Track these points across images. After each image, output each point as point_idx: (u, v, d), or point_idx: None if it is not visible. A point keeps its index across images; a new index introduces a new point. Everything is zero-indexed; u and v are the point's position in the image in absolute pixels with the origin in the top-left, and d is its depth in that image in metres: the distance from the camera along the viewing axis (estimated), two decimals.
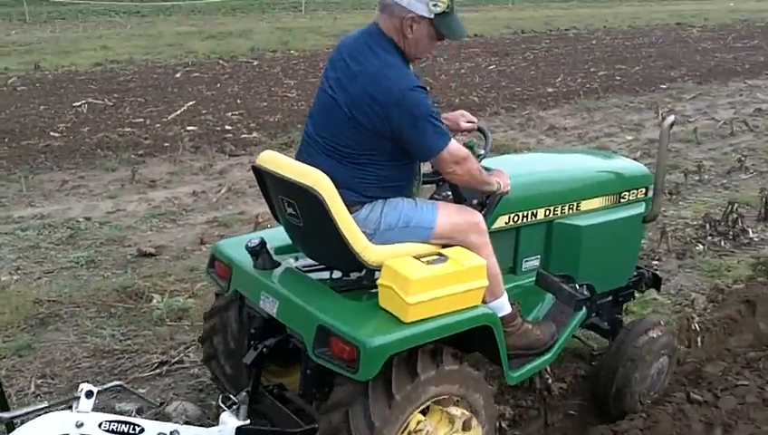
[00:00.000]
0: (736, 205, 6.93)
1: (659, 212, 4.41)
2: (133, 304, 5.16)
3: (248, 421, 3.29)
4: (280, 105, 11.69)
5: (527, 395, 4.21)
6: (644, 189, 4.23)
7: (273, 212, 3.54)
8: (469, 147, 3.56)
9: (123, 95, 12.04)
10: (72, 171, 8.25)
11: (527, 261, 3.86)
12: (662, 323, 4.28)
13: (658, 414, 3.94)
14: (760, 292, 5.44)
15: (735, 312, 5.17)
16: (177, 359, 4.51)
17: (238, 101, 11.84)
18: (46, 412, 2.85)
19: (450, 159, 3.20)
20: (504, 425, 3.93)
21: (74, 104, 11.29)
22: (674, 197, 7.75)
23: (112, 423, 2.91)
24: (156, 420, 3.39)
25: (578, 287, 3.86)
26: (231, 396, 3.38)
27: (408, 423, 3.02)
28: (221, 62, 15.26)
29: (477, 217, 3.41)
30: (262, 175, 3.38)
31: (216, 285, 3.80)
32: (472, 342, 3.25)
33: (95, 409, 2.93)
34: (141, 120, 10.45)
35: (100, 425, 2.89)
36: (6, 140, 9.31)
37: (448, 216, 3.34)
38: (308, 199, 3.06)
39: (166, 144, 9.17)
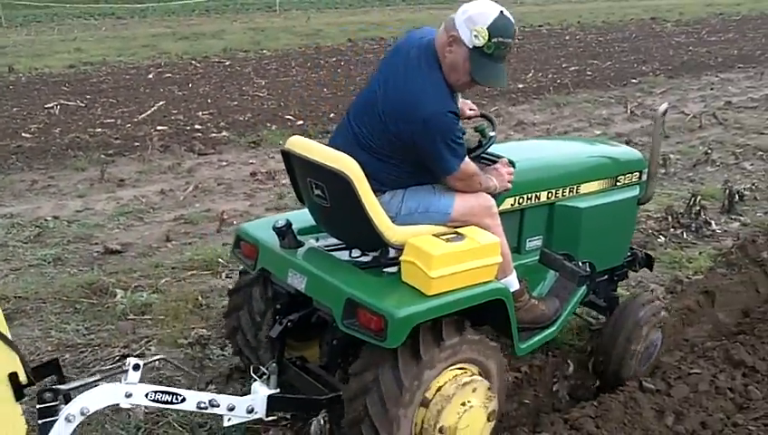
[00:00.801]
0: (699, 197, 7.04)
1: (653, 195, 4.63)
2: (97, 300, 5.20)
3: (278, 390, 3.50)
4: (250, 104, 11.73)
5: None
6: (638, 173, 4.49)
7: (298, 194, 3.78)
8: (480, 130, 3.89)
9: (95, 96, 12.03)
10: (43, 171, 8.26)
11: (530, 241, 4.12)
12: (657, 298, 4.55)
13: (610, 402, 4.00)
14: (719, 283, 5.53)
15: (694, 302, 5.23)
16: (138, 352, 4.54)
17: (209, 100, 11.86)
18: (97, 385, 3.09)
19: (457, 178, 3.49)
20: None
21: (46, 106, 11.28)
22: None
23: (157, 393, 3.15)
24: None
25: (580, 265, 4.09)
26: (260, 367, 3.57)
27: (431, 387, 3.30)
28: (193, 62, 15.26)
29: (490, 200, 3.65)
30: (290, 158, 3.62)
31: (241, 264, 4.02)
32: (482, 316, 3.49)
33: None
34: (112, 120, 10.46)
35: (146, 395, 3.14)
36: None
37: (463, 201, 3.58)
38: (337, 182, 3.31)
39: (136, 144, 9.19)
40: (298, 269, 3.56)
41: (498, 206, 3.73)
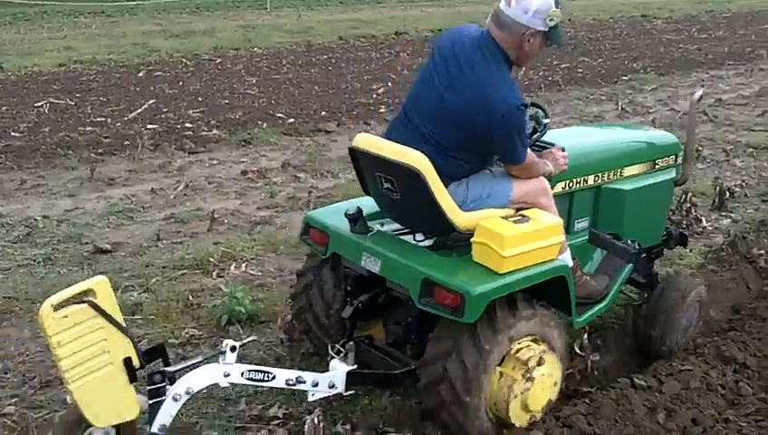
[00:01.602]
0: (690, 194, 7.04)
1: (689, 176, 5.03)
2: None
3: (355, 366, 3.85)
4: (241, 102, 11.68)
5: None
6: (674, 156, 4.85)
7: (364, 187, 4.12)
8: (535, 118, 4.12)
9: (85, 95, 11.96)
10: (32, 171, 8.21)
11: (579, 222, 4.42)
12: (696, 275, 4.89)
13: (602, 399, 4.01)
14: (710, 280, 5.53)
15: None
16: None
17: (199, 98, 11.79)
18: (197, 367, 3.38)
19: (521, 168, 3.85)
20: None
21: (36, 105, 11.20)
22: None
23: (251, 372, 3.48)
24: None
25: (629, 243, 4.39)
26: (337, 346, 3.94)
27: (504, 356, 3.67)
28: (184, 60, 15.19)
29: (545, 182, 3.98)
30: (356, 155, 3.93)
31: (311, 250, 4.33)
32: (541, 292, 3.79)
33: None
34: (102, 119, 10.39)
35: (242, 374, 3.46)
36: None
37: (521, 184, 3.91)
38: (407, 176, 3.62)
39: (126, 142, 9.13)
40: (372, 253, 3.87)
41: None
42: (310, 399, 3.74)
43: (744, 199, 7.61)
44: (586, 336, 4.58)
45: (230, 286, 5.16)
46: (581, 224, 4.43)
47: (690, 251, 6.26)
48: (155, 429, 3.23)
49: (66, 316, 2.99)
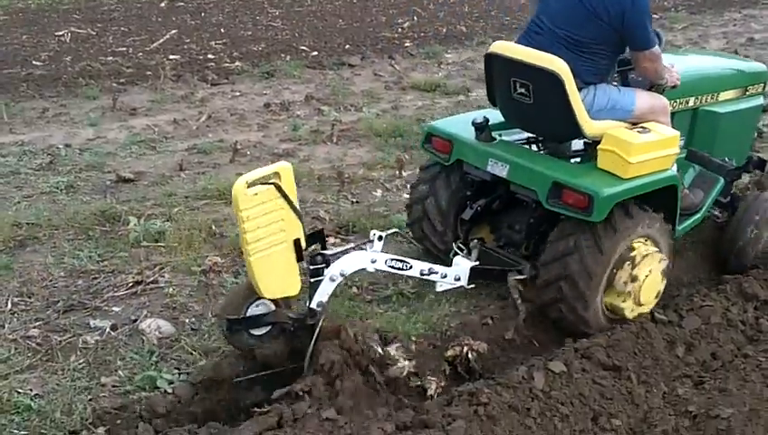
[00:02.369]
0: None
1: None
2: (110, 228, 5.21)
3: (478, 262, 4.24)
4: (264, 34, 11.56)
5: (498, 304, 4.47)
6: (763, 84, 5.23)
7: (491, 96, 4.45)
8: (655, 32, 4.22)
9: (106, 24, 11.87)
10: (54, 99, 8.18)
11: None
12: None
13: (621, 333, 4.01)
14: None
15: (709, 237, 5.15)
16: (151, 279, 4.57)
17: (222, 30, 11.68)
18: (349, 253, 3.75)
19: (650, 57, 4.10)
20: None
21: (57, 33, 11.13)
22: None
23: (393, 261, 3.87)
24: None
25: (726, 160, 4.71)
26: (460, 245, 4.44)
27: (622, 253, 4.05)
28: None
29: (665, 100, 4.34)
30: (491, 62, 4.24)
31: (433, 157, 4.68)
32: (649, 200, 4.13)
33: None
34: (124, 49, 10.33)
35: (385, 262, 3.84)
36: None
37: (645, 99, 4.25)
38: (544, 80, 3.92)
39: (147, 73, 9.08)
40: (499, 159, 4.24)
41: None
42: (438, 289, 4.17)
43: None
44: None
45: None
46: (679, 142, 4.56)
47: None
48: (313, 304, 3.57)
49: (256, 194, 3.36)
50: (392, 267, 3.87)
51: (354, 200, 5.97)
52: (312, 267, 3.61)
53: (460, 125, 4.54)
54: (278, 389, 3.43)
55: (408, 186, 4.82)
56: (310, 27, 12.19)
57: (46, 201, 5.67)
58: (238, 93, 8.67)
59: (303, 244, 3.57)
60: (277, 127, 7.61)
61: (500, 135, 4.48)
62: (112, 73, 9.05)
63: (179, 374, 3.79)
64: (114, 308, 4.31)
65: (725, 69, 5.16)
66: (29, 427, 3.39)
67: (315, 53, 10.55)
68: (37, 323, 4.16)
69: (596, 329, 4.08)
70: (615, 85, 4.29)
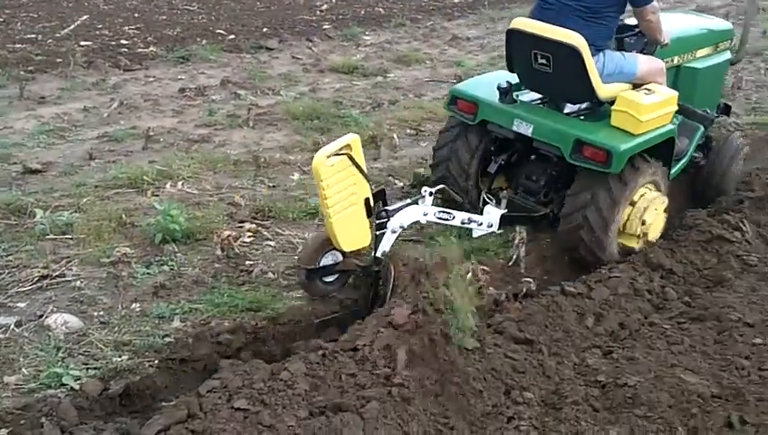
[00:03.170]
0: None
1: (743, 58, 6.38)
2: (16, 221, 5.04)
3: (506, 211, 4.78)
4: (180, 19, 11.34)
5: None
6: (730, 40, 6.02)
7: (509, 64, 5.05)
8: None
9: (15, 11, 11.44)
10: None
11: None
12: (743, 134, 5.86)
13: (532, 306, 4.08)
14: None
15: None
16: (58, 273, 4.44)
17: (136, 14, 11.41)
18: (404, 208, 4.22)
19: (651, 10, 4.75)
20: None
21: None
22: None
23: (440, 213, 4.37)
24: None
25: (708, 111, 5.52)
26: (488, 195, 5.14)
27: (631, 199, 4.72)
28: None
29: (661, 63, 5.01)
30: (512, 36, 4.82)
31: (458, 117, 5.23)
32: (648, 150, 4.71)
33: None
34: (33, 35, 9.97)
35: (434, 214, 4.35)
36: None
37: (645, 63, 4.89)
38: (564, 52, 4.51)
39: (58, 60, 8.77)
40: (524, 119, 4.84)
41: None
42: (475, 235, 4.74)
43: None
44: None
45: (164, 204, 5.06)
46: None
47: None
48: (378, 253, 4.09)
49: (333, 165, 3.87)
50: (440, 219, 4.38)
51: (271, 184, 5.92)
52: (377, 222, 4.13)
53: (482, 88, 5.14)
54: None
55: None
56: (227, 11, 12.02)
57: None
58: (152, 79, 8.48)
59: (372, 203, 4.12)
60: (192, 112, 7.48)
61: (518, 96, 5.09)
62: (20, 61, 8.72)
63: (87, 370, 3.70)
64: (19, 304, 4.18)
65: (701, 28, 5.83)
66: None
67: (232, 36, 10.40)
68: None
69: (610, 261, 4.68)
70: (621, 53, 4.85)
